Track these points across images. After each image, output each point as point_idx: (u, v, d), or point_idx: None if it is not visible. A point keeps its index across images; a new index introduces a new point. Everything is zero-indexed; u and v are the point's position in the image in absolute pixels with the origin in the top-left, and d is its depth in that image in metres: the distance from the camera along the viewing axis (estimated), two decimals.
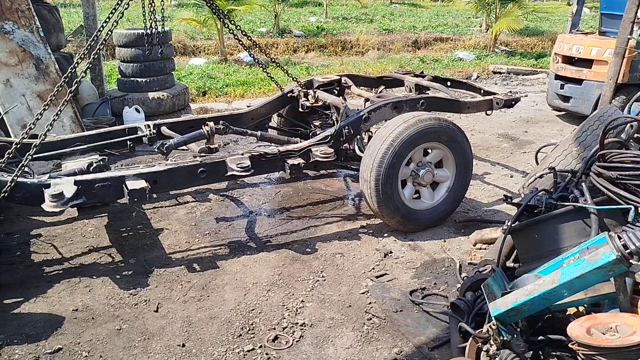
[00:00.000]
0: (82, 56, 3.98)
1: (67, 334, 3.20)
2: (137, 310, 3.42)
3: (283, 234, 4.40)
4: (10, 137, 5.43)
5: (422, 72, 6.07)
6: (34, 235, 4.41)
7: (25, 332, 3.21)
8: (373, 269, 3.87)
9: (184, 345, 3.08)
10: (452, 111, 5.06)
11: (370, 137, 4.71)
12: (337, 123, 4.42)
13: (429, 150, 4.30)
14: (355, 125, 4.40)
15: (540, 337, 2.48)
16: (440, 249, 4.14)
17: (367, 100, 5.10)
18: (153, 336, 3.17)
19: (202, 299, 3.53)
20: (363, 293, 3.58)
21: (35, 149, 3.71)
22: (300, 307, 3.43)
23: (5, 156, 3.70)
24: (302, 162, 4.12)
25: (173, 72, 7.61)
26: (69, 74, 3.95)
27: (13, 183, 3.53)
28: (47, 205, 3.50)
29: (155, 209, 4.86)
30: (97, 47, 4.16)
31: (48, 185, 3.59)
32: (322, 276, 3.78)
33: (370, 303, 3.47)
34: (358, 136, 4.64)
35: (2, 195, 3.53)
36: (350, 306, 3.44)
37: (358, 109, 4.59)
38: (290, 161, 4.11)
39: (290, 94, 5.38)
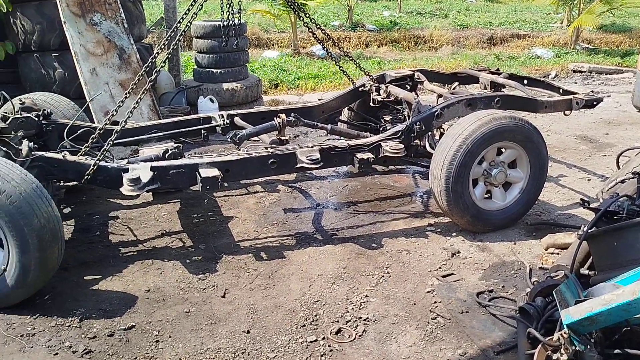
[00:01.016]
0: (162, 47, 4.12)
1: (140, 312, 3.34)
2: (205, 295, 3.52)
3: (349, 228, 4.41)
4: (94, 122, 5.71)
5: (497, 70, 5.90)
6: (112, 217, 4.63)
7: (102, 308, 3.38)
8: (439, 268, 3.81)
9: (248, 332, 3.15)
10: (528, 110, 4.89)
11: (441, 134, 4.62)
12: (409, 119, 4.38)
13: (503, 150, 4.18)
14: (427, 121, 4.34)
15: (617, 351, 2.37)
16: (509, 251, 4.03)
17: (439, 96, 5.02)
18: (219, 321, 3.26)
19: (268, 288, 3.59)
20: (428, 292, 3.54)
21: (116, 135, 3.88)
22: (364, 302, 3.43)
23: (90, 141, 3.90)
24: (371, 156, 4.11)
25: (247, 64, 7.75)
26: (149, 64, 4.11)
27: (95, 166, 3.72)
28: (125, 189, 3.66)
29: (225, 197, 4.98)
30: (176, 38, 4.30)
31: (126, 170, 3.75)
32: (388, 272, 3.76)
33: (435, 302, 3.42)
34: (429, 133, 4.58)
35: (85, 177, 3.72)
36: (414, 304, 3.41)
37: (430, 105, 4.52)
38: (359, 155, 4.10)
39: (362, 88, 5.37)
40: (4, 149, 3.61)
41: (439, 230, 4.35)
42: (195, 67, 7.66)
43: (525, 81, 5.60)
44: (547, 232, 4.16)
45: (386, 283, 3.64)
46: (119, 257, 3.98)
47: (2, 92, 4.21)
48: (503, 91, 5.28)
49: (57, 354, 2.97)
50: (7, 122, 4.07)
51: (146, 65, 4.12)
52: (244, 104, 7.40)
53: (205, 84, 7.34)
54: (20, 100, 4.47)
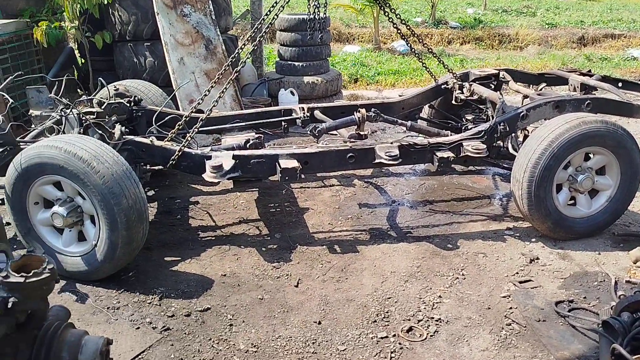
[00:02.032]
0: (248, 40, 4.22)
1: (215, 296, 3.45)
2: (278, 283, 3.59)
3: (424, 227, 4.36)
4: (179, 110, 5.93)
5: (589, 71, 5.63)
6: (192, 202, 4.80)
7: (180, 288, 3.52)
8: (517, 273, 3.70)
9: (319, 323, 3.19)
10: (622, 115, 4.65)
11: (525, 136, 4.48)
12: (492, 119, 4.26)
13: (591, 155, 3.99)
14: (511, 122, 4.22)
15: None
16: (593, 262, 3.85)
17: (525, 97, 4.85)
18: (292, 310, 3.31)
19: (341, 281, 3.61)
20: (504, 297, 3.44)
21: (201, 122, 4.02)
22: (437, 302, 3.39)
23: (176, 128, 4.06)
24: (451, 155, 4.04)
25: (328, 58, 7.79)
26: (235, 56, 4.21)
27: (181, 152, 3.86)
28: (208, 176, 3.78)
29: (302, 189, 5.05)
30: (262, 31, 4.38)
31: (209, 157, 3.87)
32: (462, 274, 3.69)
33: (510, 308, 3.33)
34: (512, 134, 4.44)
35: (170, 162, 3.88)
36: (489, 308, 3.33)
37: (516, 106, 4.38)
38: (439, 154, 4.04)
39: (445, 85, 5.28)
40: (99, 131, 3.82)
41: (517, 234, 4.22)
42: (278, 59, 7.79)
43: (620, 84, 5.31)
44: (636, 245, 3.94)
45: (460, 285, 3.58)
46: (198, 241, 4.13)
47: (100, 78, 4.45)
48: (594, 94, 5.03)
49: (138, 328, 3.13)
50: (103, 107, 4.30)
51: (232, 56, 4.23)
52: (324, 98, 7.45)
53: (286, 77, 7.45)
54: (115, 87, 4.71)
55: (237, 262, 3.84)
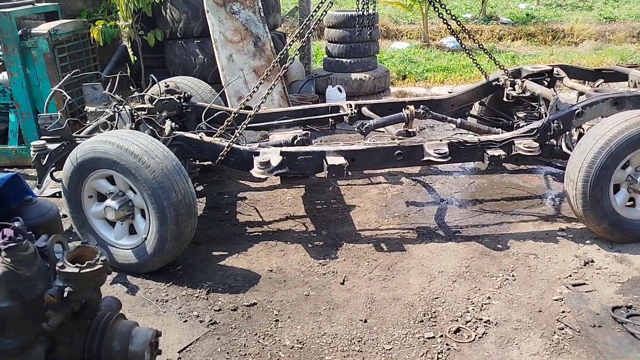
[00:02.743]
0: (296, 37, 4.22)
1: (262, 291, 3.47)
2: (324, 280, 3.58)
3: (473, 226, 4.27)
4: (228, 106, 6.00)
5: None
6: (240, 198, 4.85)
7: (227, 283, 3.55)
8: (570, 276, 3.58)
9: (365, 321, 3.16)
10: None
11: (580, 135, 4.33)
12: (545, 116, 4.13)
13: None
14: (566, 119, 4.08)
15: None
16: None
17: (581, 93, 4.68)
18: (337, 307, 3.30)
19: (387, 279, 3.58)
20: (556, 300, 3.33)
21: (249, 119, 4.05)
22: (485, 304, 3.31)
23: (225, 124, 4.10)
24: (502, 154, 3.93)
25: (377, 55, 7.73)
26: (284, 53, 4.22)
27: (229, 148, 3.90)
28: (255, 171, 3.80)
29: (349, 186, 5.02)
30: (311, 28, 4.38)
31: (257, 154, 3.89)
32: (512, 275, 3.60)
33: (563, 312, 3.21)
34: (567, 132, 4.30)
35: (219, 158, 3.92)
36: (540, 311, 3.23)
37: (570, 103, 4.24)
38: (490, 152, 3.94)
39: (496, 82, 5.16)
40: (150, 127, 3.90)
41: (571, 236, 4.08)
42: (325, 56, 7.78)
43: None
44: None
45: (510, 286, 3.48)
46: (245, 236, 4.16)
47: (151, 75, 4.54)
48: None
49: (186, 321, 3.18)
50: (154, 103, 4.39)
51: (280, 53, 4.25)
52: (372, 95, 7.40)
53: (334, 74, 7.43)
54: (165, 83, 4.80)
55: (283, 258, 3.85)
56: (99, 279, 1.53)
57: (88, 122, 4.44)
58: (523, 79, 4.90)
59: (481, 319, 3.17)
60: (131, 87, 7.15)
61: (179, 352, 2.92)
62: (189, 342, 2.99)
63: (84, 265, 1.50)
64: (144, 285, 3.55)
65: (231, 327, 3.12)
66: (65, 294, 1.46)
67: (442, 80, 9.32)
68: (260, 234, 4.20)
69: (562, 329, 3.07)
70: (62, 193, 3.67)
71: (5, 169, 5.63)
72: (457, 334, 3.06)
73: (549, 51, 12.01)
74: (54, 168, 3.84)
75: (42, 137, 3.80)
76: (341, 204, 4.69)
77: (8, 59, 5.23)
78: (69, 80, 4.18)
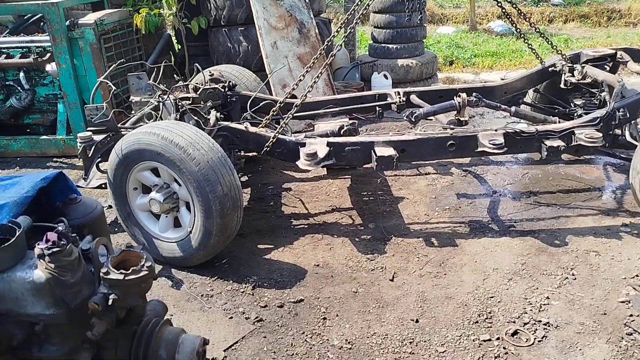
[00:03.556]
0: (343, 24, 4.07)
1: (309, 287, 3.37)
2: (373, 276, 3.45)
3: (529, 220, 4.06)
4: (272, 94, 5.90)
5: None
6: (285, 189, 4.75)
7: (273, 278, 3.47)
8: (636, 275, 3.34)
9: (417, 321, 3.02)
10: None
11: None
12: (609, 104, 3.87)
13: None
14: (633, 107, 3.81)
15: None
16: None
17: None
18: (387, 305, 3.17)
19: (439, 276, 3.42)
20: (622, 302, 3.11)
21: (296, 108, 3.93)
22: (544, 304, 3.12)
23: (270, 114, 3.99)
24: (562, 144, 3.70)
25: (424, 40, 7.49)
26: (330, 40, 4.07)
27: (275, 139, 3.80)
28: (302, 163, 3.69)
29: (396, 177, 4.86)
30: (358, 15, 4.22)
31: (304, 144, 3.78)
32: (572, 274, 3.39)
33: (631, 315, 3.00)
34: (632, 121, 4.02)
35: (265, 149, 3.83)
36: (605, 314, 3.02)
37: (637, 89, 3.96)
38: (548, 142, 3.72)
39: (552, 68, 4.89)
40: (195, 117, 3.83)
41: (635, 232, 3.83)
42: (371, 42, 7.58)
43: None
44: None
45: (571, 286, 3.28)
46: (290, 229, 4.07)
47: (196, 64, 4.47)
48: None
49: (231, 317, 3.11)
50: (198, 93, 4.31)
51: (327, 40, 4.11)
52: (418, 81, 7.18)
53: (379, 60, 7.23)
54: (210, 72, 4.73)
55: (330, 252, 3.74)
56: (144, 286, 1.45)
57: (133, 112, 4.41)
58: (583, 64, 4.62)
59: (540, 321, 2.98)
60: (175, 76, 7.15)
61: (224, 350, 2.85)
62: (234, 340, 2.92)
63: (128, 272, 1.42)
64: (189, 279, 3.50)
65: (278, 325, 3.03)
66: (110, 302, 1.38)
67: (490, 65, 9.00)
68: (306, 226, 4.10)
69: (631, 334, 2.86)
70: (107, 184, 3.64)
71: (54, 159, 5.70)
72: (515, 336, 2.89)
73: (605, 33, 11.46)
74: (100, 159, 3.82)
75: (88, 129, 3.78)
76: (389, 196, 4.54)
77: (56, 50, 5.25)
78: (114, 71, 4.15)
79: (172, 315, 3.15)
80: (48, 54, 5.39)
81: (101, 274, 1.39)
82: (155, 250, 3.61)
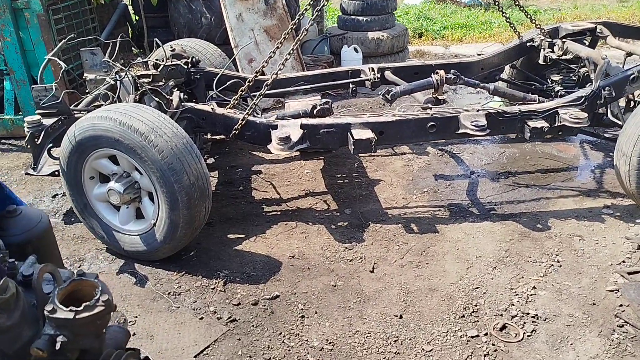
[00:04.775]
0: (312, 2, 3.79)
1: (284, 281, 3.15)
2: (352, 267, 3.26)
3: (509, 203, 3.92)
4: (238, 69, 5.58)
5: None
6: (254, 172, 4.50)
7: (246, 272, 3.24)
8: (623, 262, 3.24)
9: (401, 317, 2.85)
10: None
11: (629, 102, 3.93)
12: (595, 82, 3.71)
13: None
14: (619, 86, 3.67)
15: None
16: None
17: (629, 54, 4.25)
18: (368, 300, 2.98)
19: (421, 266, 3.25)
20: (611, 291, 3.00)
21: (266, 88, 3.65)
22: (531, 295, 2.99)
23: (239, 94, 3.71)
24: (545, 125, 3.54)
25: (394, 12, 7.22)
26: (300, 16, 3.77)
27: (244, 121, 3.52)
28: (274, 147, 3.43)
29: (371, 158, 4.65)
30: None
31: (275, 127, 3.52)
32: (557, 261, 3.26)
33: (621, 305, 2.89)
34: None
35: (233, 132, 3.55)
36: (594, 304, 2.91)
37: (622, 67, 3.82)
38: (531, 123, 3.56)
39: (530, 43, 4.71)
40: (156, 99, 3.52)
41: (618, 214, 3.73)
42: (340, 13, 7.27)
43: None
44: None
45: (556, 274, 3.15)
46: (262, 216, 3.83)
47: (155, 39, 4.12)
48: None
49: (202, 318, 2.87)
50: (159, 70, 3.99)
51: (298, 15, 3.79)
52: (389, 55, 6.94)
53: (349, 33, 6.94)
54: (171, 47, 4.39)
55: (305, 242, 3.52)
56: (100, 323, 1.19)
57: (87, 91, 4.06)
58: (563, 39, 4.45)
59: (528, 314, 2.85)
60: (133, 49, 6.73)
61: (195, 356, 2.62)
62: (206, 345, 2.69)
63: (80, 309, 1.16)
64: (154, 275, 3.24)
65: (252, 325, 2.82)
66: (58, 345, 1.13)
67: (460, 38, 8.81)
68: (279, 213, 3.87)
69: (622, 326, 2.75)
70: (60, 172, 3.32)
71: (2, 140, 5.29)
72: (504, 331, 2.75)
73: (572, 4, 11.37)
74: (51, 145, 3.49)
75: (37, 112, 3.43)
76: (364, 178, 4.33)
77: None
78: (65, 46, 3.77)
79: (136, 316, 2.90)
80: None
81: (46, 313, 1.13)
82: (116, 243, 3.34)
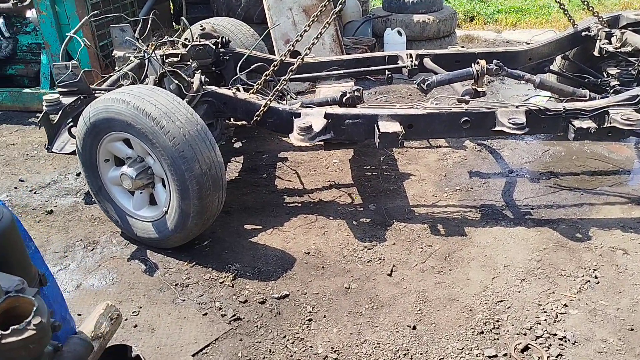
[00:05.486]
0: None
1: (296, 279, 3.00)
2: (369, 269, 3.08)
3: (548, 207, 3.63)
4: (274, 50, 5.42)
5: None
6: (280, 159, 4.35)
7: (257, 267, 3.11)
8: None
9: (414, 328, 2.66)
10: None
11: None
12: None
13: None
14: None
15: None
16: None
17: None
18: (382, 306, 2.80)
19: (443, 272, 3.04)
20: None
21: (291, 73, 3.47)
22: (561, 313, 2.74)
23: (262, 78, 3.53)
24: (592, 126, 3.23)
25: None
26: None
27: (266, 107, 3.36)
28: (295, 137, 3.26)
29: (404, 149, 4.42)
30: None
31: (298, 115, 3.34)
32: (595, 276, 2.99)
33: None
34: None
35: (254, 118, 3.40)
36: (632, 329, 2.63)
37: None
38: (577, 123, 3.25)
39: (586, 32, 4.34)
40: (176, 81, 3.39)
41: None
42: None
43: None
44: None
45: (592, 291, 2.88)
46: (282, 207, 3.69)
47: (182, 18, 3.99)
48: None
49: (206, 314, 2.76)
50: (187, 50, 3.86)
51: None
52: (435, 39, 6.61)
53: (394, 14, 6.64)
54: (201, 26, 4.26)
55: (323, 237, 3.36)
56: (34, 347, 1.07)
57: (116, 68, 3.98)
58: (622, 29, 4.07)
59: (555, 335, 2.60)
60: (175, 25, 6.66)
61: (192, 355, 2.52)
62: (206, 343, 2.58)
63: (7, 333, 1.03)
64: (165, 263, 3.15)
65: (256, 326, 2.69)
66: None
67: (514, 23, 8.35)
68: (300, 204, 3.71)
69: None
70: (77, 153, 3.26)
71: (38, 114, 5.30)
72: (525, 353, 2.52)
73: None
74: (71, 123, 3.43)
75: (57, 90, 3.36)
76: (394, 172, 4.12)
77: None
78: (86, 24, 3.69)
79: (141, 307, 2.82)
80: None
81: None
82: (130, 228, 3.26)
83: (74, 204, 3.81)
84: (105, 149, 3.13)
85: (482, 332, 2.63)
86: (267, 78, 3.55)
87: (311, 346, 2.57)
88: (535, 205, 3.67)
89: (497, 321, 2.69)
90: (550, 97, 4.78)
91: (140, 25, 4.09)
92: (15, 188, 4.04)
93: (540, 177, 4.03)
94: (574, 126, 3.25)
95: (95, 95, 3.39)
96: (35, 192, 3.98)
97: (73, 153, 3.54)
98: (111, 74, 3.81)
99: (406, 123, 3.28)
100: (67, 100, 3.31)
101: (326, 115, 3.31)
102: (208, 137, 2.95)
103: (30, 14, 5.00)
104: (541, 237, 3.32)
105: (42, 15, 4.84)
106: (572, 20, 4.43)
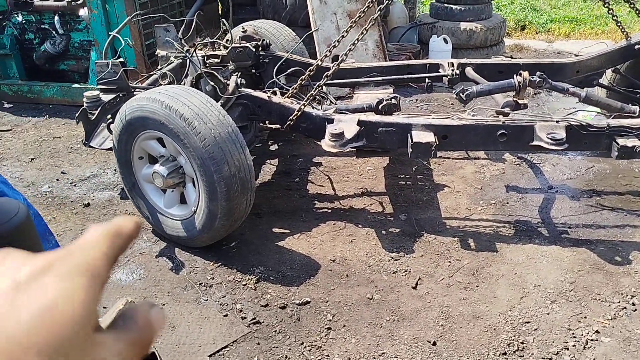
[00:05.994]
0: None
1: (319, 286, 2.99)
2: (394, 280, 3.03)
3: (586, 227, 3.49)
4: (317, 54, 5.41)
5: None
6: (315, 163, 4.34)
7: (281, 271, 3.10)
8: None
9: (434, 344, 2.60)
10: None
11: None
12: None
13: None
14: None
15: None
16: None
17: None
18: (404, 319, 2.75)
19: (469, 288, 2.96)
20: None
21: (326, 78, 3.45)
22: (592, 340, 2.62)
23: (298, 82, 3.54)
24: (638, 145, 3.09)
25: (492, 1, 6.72)
26: (389, 1, 3.53)
27: (300, 112, 3.36)
28: (326, 143, 3.24)
29: (440, 159, 4.34)
30: None
31: (331, 121, 3.32)
32: (632, 303, 2.85)
33: None
34: None
35: (288, 122, 3.40)
36: None
37: None
38: (621, 141, 3.11)
39: (639, 45, 4.16)
40: (212, 83, 3.43)
41: None
42: (433, 0, 6.88)
43: None
44: None
45: (628, 319, 2.75)
46: (312, 212, 3.67)
47: (222, 19, 4.04)
48: None
49: (226, 315, 2.77)
50: (227, 52, 3.91)
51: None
52: (482, 48, 6.48)
53: (441, 22, 6.54)
54: (243, 28, 4.30)
55: (350, 245, 3.33)
56: None
57: (159, 68, 4.06)
58: None
59: None
60: (222, 25, 6.74)
61: (209, 355, 2.53)
62: (224, 344, 2.59)
63: None
64: (191, 262, 3.19)
65: (275, 331, 2.68)
66: None
67: (567, 33, 8.09)
68: (329, 211, 3.69)
69: None
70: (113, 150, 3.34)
71: None
72: None
73: None
74: (111, 120, 3.52)
75: (98, 87, 3.46)
76: (428, 182, 4.05)
77: None
78: (129, 24, 3.78)
79: (164, 304, 2.86)
80: None
81: None
82: (160, 226, 3.32)
83: (110, 199, 3.90)
84: (139, 147, 3.19)
85: (505, 354, 2.54)
86: (303, 82, 3.56)
87: (328, 355, 2.55)
88: (573, 224, 3.53)
89: (522, 343, 2.60)
90: (599, 112, 4.61)
91: (184, 26, 4.16)
92: (57, 180, 4.17)
93: (582, 195, 3.88)
94: (618, 144, 3.11)
95: (134, 93, 3.47)
96: (75, 185, 4.10)
97: (111, 149, 3.63)
98: (152, 73, 3.89)
99: (440, 133, 3.21)
100: (106, 97, 3.39)
101: (359, 123, 3.28)
102: (239, 139, 2.97)
103: (83, 12, 5.17)
104: (577, 257, 3.20)
105: (93, 14, 4.99)
106: (625, 33, 4.26)
